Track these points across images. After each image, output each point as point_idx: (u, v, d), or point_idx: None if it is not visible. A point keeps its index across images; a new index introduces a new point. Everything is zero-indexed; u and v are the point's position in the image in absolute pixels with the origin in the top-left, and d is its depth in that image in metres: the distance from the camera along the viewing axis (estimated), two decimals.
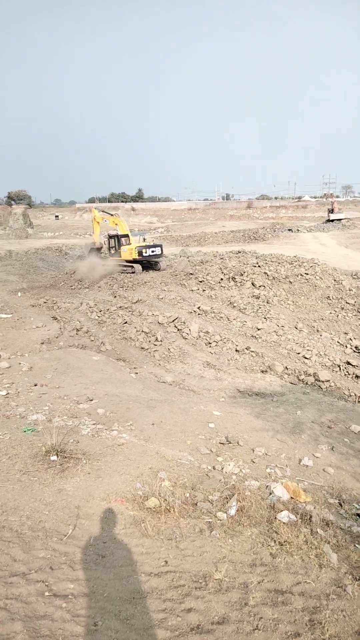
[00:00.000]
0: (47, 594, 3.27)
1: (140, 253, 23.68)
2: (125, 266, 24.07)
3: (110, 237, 26.24)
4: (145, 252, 23.80)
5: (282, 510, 4.67)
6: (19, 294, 21.34)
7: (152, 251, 24.09)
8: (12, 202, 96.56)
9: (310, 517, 4.57)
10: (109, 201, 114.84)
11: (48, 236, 50.90)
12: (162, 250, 24.81)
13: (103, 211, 28.45)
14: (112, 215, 27.55)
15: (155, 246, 24.53)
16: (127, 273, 23.13)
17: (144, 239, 26.44)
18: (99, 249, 27.43)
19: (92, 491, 4.82)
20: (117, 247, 25.22)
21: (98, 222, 27.65)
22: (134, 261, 23.82)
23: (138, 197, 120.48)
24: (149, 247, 24.20)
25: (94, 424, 6.91)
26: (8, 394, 8.33)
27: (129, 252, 24.17)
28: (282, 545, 4.12)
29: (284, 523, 4.45)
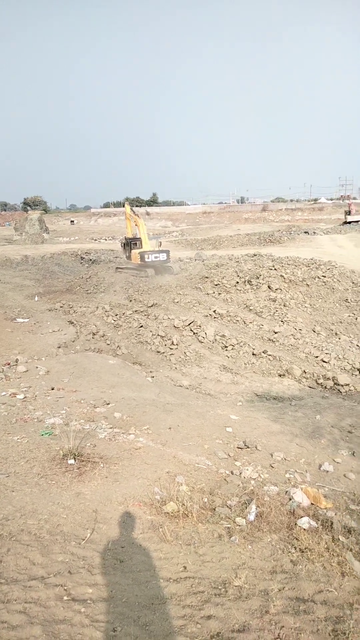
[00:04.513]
0: (65, 598, 3.25)
1: (142, 258, 23.74)
2: (137, 270, 24.14)
3: (125, 239, 26.36)
4: (148, 258, 23.80)
5: (302, 517, 4.59)
6: (36, 298, 21.60)
7: (155, 257, 24.06)
8: (28, 207, 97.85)
9: (332, 523, 4.47)
10: (124, 206, 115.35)
11: (64, 241, 51.43)
12: (167, 256, 24.68)
13: (132, 210, 28.26)
14: (138, 216, 27.60)
15: (159, 252, 24.47)
16: (140, 277, 23.18)
17: (160, 243, 26.44)
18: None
19: (109, 495, 4.80)
20: (130, 250, 25.36)
21: (129, 219, 27.67)
22: (145, 265, 23.88)
23: (152, 202, 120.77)
24: (153, 252, 24.19)
25: (110, 428, 6.91)
26: (26, 397, 8.39)
27: (134, 256, 24.33)
28: (302, 552, 4.03)
29: (304, 529, 4.37)
